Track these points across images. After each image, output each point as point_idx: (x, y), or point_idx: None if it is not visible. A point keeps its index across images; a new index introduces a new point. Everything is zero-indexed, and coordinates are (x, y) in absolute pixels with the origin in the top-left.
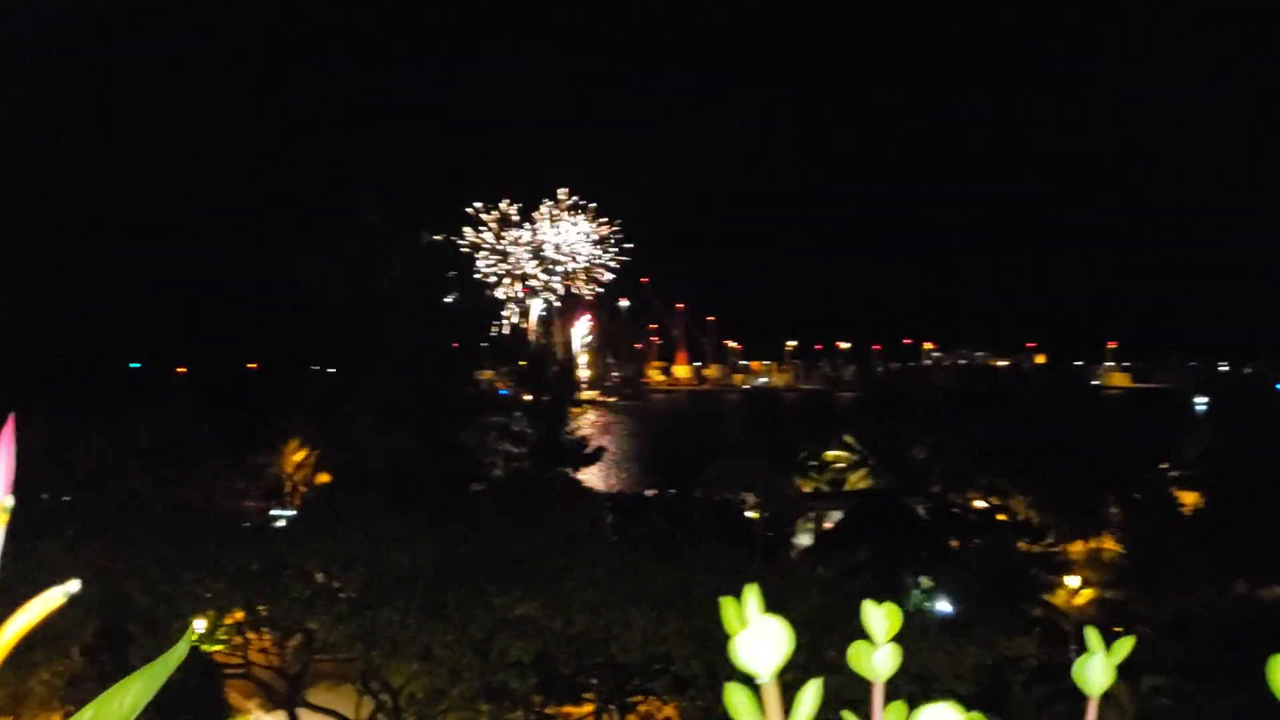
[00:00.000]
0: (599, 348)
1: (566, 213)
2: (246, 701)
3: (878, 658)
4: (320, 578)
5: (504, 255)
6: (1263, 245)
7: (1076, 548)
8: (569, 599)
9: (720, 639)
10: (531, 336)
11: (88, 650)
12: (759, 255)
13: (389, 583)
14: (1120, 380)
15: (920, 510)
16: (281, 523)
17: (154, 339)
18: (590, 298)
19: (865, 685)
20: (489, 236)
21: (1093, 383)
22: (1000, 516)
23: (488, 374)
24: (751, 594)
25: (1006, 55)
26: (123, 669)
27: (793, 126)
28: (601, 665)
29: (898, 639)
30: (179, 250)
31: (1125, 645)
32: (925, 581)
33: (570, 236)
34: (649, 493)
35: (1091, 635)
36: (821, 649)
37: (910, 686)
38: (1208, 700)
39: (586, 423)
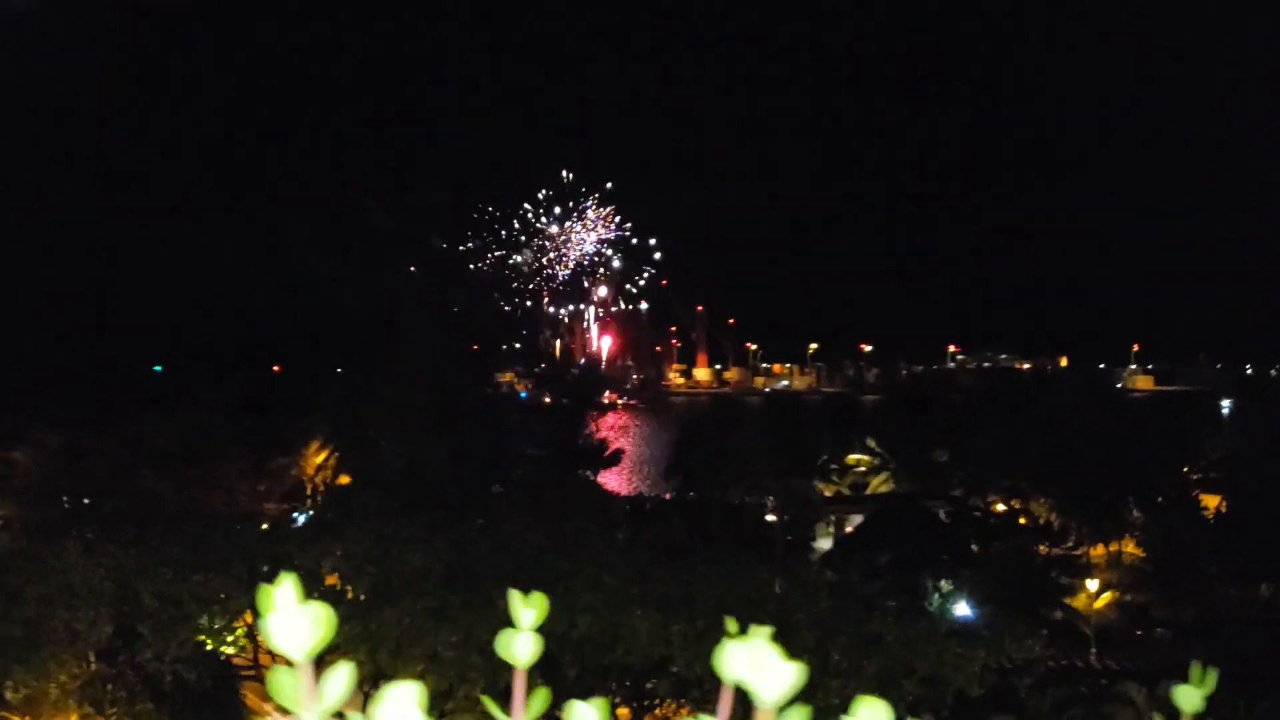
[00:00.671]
0: (619, 351)
1: (590, 215)
2: (264, 704)
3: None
4: (330, 579)
5: (525, 258)
6: None
7: (1098, 551)
8: (572, 602)
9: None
10: (553, 340)
11: (103, 653)
12: (781, 257)
13: (397, 584)
14: (1144, 383)
15: (941, 514)
16: (300, 524)
17: (176, 342)
18: (610, 301)
19: (871, 689)
20: (509, 240)
21: (1116, 385)
22: (1021, 520)
23: (508, 376)
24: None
25: (1038, 58)
26: (135, 669)
27: (816, 127)
28: (607, 667)
29: (911, 643)
30: (199, 254)
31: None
32: (945, 585)
33: (591, 242)
34: (668, 495)
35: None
36: (828, 653)
37: (920, 689)
38: (1229, 705)
39: (606, 425)
